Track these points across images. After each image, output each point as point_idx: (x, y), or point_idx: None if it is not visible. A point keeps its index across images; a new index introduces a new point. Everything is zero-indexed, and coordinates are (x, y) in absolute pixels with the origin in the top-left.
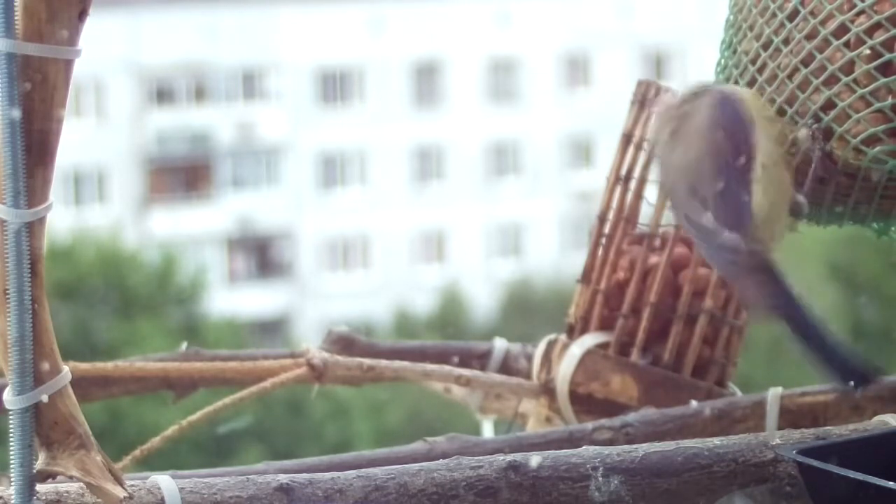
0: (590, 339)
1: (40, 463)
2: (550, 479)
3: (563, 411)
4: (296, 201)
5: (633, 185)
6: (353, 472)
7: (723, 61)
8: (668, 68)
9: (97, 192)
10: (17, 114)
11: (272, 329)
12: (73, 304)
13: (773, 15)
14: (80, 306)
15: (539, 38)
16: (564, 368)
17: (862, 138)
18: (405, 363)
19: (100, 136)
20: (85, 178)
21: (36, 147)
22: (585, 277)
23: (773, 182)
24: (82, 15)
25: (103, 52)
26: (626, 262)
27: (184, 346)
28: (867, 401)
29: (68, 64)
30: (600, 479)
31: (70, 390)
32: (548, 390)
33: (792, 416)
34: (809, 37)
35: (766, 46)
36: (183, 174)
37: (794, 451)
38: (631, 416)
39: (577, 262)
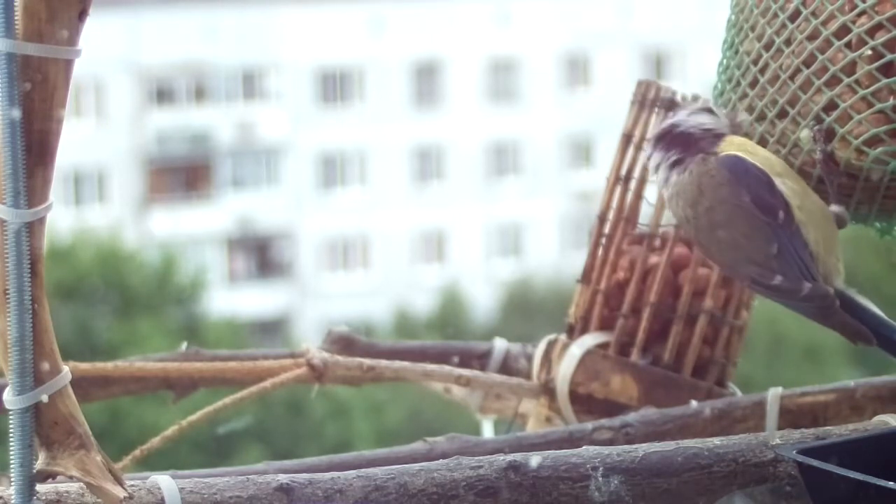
0: (590, 339)
1: (40, 463)
2: (550, 479)
3: (563, 411)
4: (296, 201)
5: (633, 185)
6: (353, 472)
7: (724, 61)
8: (668, 68)
9: (97, 192)
10: (17, 114)
11: (272, 329)
12: (73, 304)
13: (775, 15)
14: (80, 306)
15: (539, 38)
16: (564, 368)
17: (864, 139)
18: (405, 363)
19: (100, 136)
20: (85, 178)
21: (36, 147)
22: (585, 277)
23: (814, 215)
24: (82, 15)
25: (103, 52)
26: (626, 262)
27: (184, 346)
28: (867, 401)
29: (68, 64)
30: (600, 479)
31: (70, 390)
32: (548, 390)
33: (792, 416)
34: (811, 37)
35: (767, 47)
36: (183, 174)
37: (794, 451)
38: (631, 416)
39: (577, 262)
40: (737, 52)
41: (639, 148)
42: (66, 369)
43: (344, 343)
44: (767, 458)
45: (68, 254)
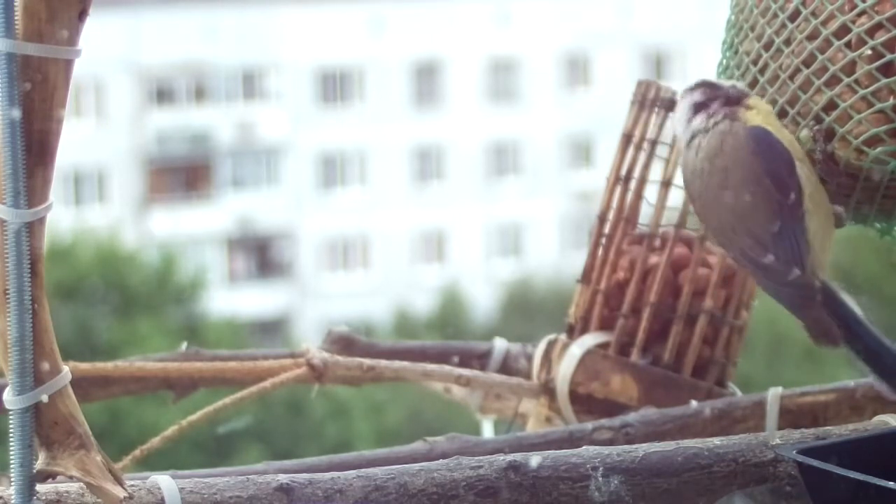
0: (590, 339)
1: (40, 463)
2: (550, 479)
3: (563, 411)
4: (296, 201)
5: (633, 185)
6: (353, 472)
7: (724, 61)
8: (668, 68)
9: (97, 192)
10: (17, 114)
11: (272, 329)
12: (73, 304)
13: (775, 15)
14: (80, 306)
15: (539, 38)
16: (564, 368)
17: (863, 139)
18: (405, 363)
19: (100, 136)
20: (85, 178)
21: (36, 147)
22: (585, 277)
23: (820, 208)
24: (82, 15)
25: (103, 52)
26: (626, 262)
27: (184, 346)
28: (867, 401)
29: (68, 64)
30: (600, 479)
31: (70, 390)
32: (548, 390)
33: (792, 416)
34: (811, 37)
35: (767, 47)
36: (183, 174)
37: (794, 451)
38: (631, 416)
39: (577, 262)
40: (736, 52)
41: (639, 148)
42: (66, 369)
43: (344, 343)
44: (767, 458)
45: (68, 254)
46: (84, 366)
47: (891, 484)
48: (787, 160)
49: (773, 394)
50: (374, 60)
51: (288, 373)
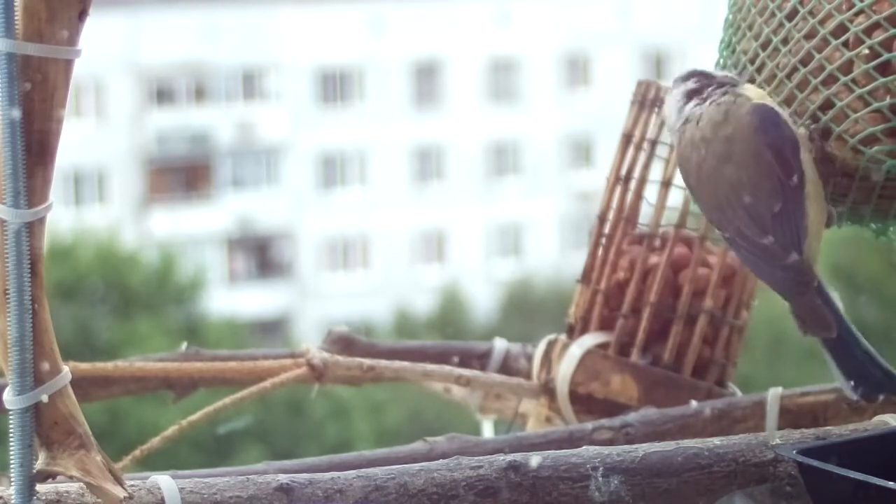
0: (590, 339)
1: (40, 463)
2: (550, 479)
3: (563, 411)
4: (296, 201)
5: (633, 185)
6: (353, 472)
7: (722, 61)
8: (668, 68)
9: (97, 192)
10: (17, 114)
11: (272, 329)
12: (73, 304)
13: (772, 14)
14: (80, 306)
15: (539, 38)
16: (564, 368)
17: (860, 138)
18: (405, 363)
19: (100, 136)
20: (85, 178)
21: (36, 147)
22: (585, 277)
23: (819, 195)
24: (82, 15)
25: (103, 52)
26: (626, 262)
27: (184, 346)
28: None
29: (68, 64)
30: (600, 479)
31: (70, 390)
32: (548, 390)
33: (792, 416)
34: (808, 36)
35: (764, 46)
36: (183, 174)
37: (794, 451)
38: (631, 416)
39: (577, 262)
40: (734, 51)
41: (639, 148)
42: (66, 369)
43: (344, 343)
44: (767, 458)
45: (68, 254)
46: (84, 366)
47: (891, 484)
48: (792, 140)
49: (773, 394)
50: (374, 60)
51: (288, 373)
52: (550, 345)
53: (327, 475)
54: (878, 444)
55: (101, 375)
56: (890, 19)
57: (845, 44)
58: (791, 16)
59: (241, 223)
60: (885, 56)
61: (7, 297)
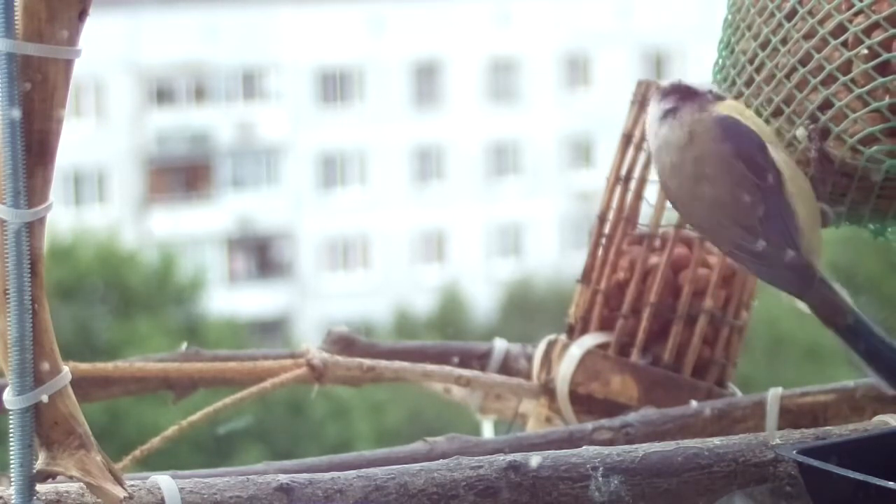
0: (590, 340)
1: (40, 463)
2: (550, 479)
3: (563, 411)
4: (296, 201)
5: (633, 185)
6: (353, 472)
7: (720, 61)
8: (668, 68)
9: (97, 192)
10: (17, 114)
11: (272, 329)
12: (73, 304)
13: (772, 14)
14: (80, 306)
15: (539, 38)
16: (564, 369)
17: (859, 138)
18: (405, 363)
19: (100, 136)
20: (85, 178)
21: (36, 147)
22: (585, 277)
23: (803, 191)
24: (82, 15)
25: (103, 52)
26: (626, 262)
27: (184, 346)
28: (867, 401)
29: (68, 64)
30: (600, 479)
31: (70, 390)
32: (548, 390)
33: (792, 416)
34: (807, 36)
35: (763, 46)
36: (183, 174)
37: (794, 451)
38: (631, 416)
39: (577, 262)
40: (733, 51)
41: (639, 148)
42: (66, 369)
43: (344, 343)
44: (767, 458)
45: (68, 254)
46: (84, 366)
47: (891, 484)
48: (756, 142)
49: (773, 394)
50: (374, 60)
51: (288, 373)
52: (550, 345)
53: (327, 475)
54: (878, 444)
55: (101, 375)
56: (889, 19)
57: (844, 44)
58: (790, 16)
59: (241, 223)
60: (885, 56)
61: (7, 297)
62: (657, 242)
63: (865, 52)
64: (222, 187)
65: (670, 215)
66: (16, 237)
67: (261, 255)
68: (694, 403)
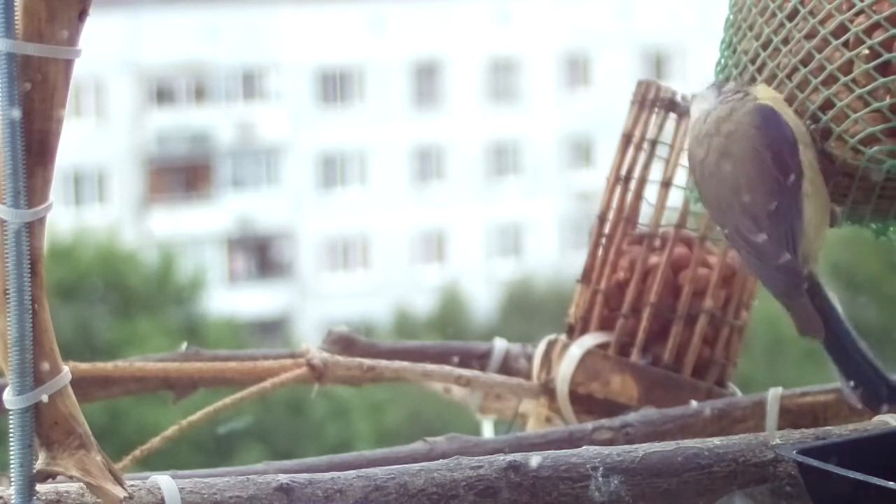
0: (590, 340)
1: (40, 463)
2: (550, 479)
3: (563, 411)
4: (296, 201)
5: (633, 185)
6: (353, 472)
7: (722, 61)
8: (668, 68)
9: (97, 192)
10: (17, 114)
11: (272, 329)
12: (73, 304)
13: (773, 14)
14: (80, 306)
15: (539, 38)
16: (564, 368)
17: (860, 138)
18: (405, 363)
19: (100, 136)
20: (85, 178)
21: (36, 147)
22: (585, 277)
23: (818, 196)
24: (82, 15)
25: (103, 52)
26: (626, 262)
27: (184, 346)
28: None
29: (68, 64)
30: (600, 479)
31: (70, 390)
32: (548, 390)
33: (792, 416)
34: (809, 36)
35: (765, 46)
36: (183, 174)
37: (794, 451)
38: (631, 416)
39: (577, 262)
40: (734, 51)
41: (639, 148)
42: (66, 369)
43: (344, 343)
44: (767, 458)
45: (68, 254)
46: (84, 366)
47: (891, 484)
48: (790, 141)
49: (773, 394)
50: (374, 60)
51: (288, 373)
52: (550, 345)
53: (327, 475)
54: (878, 444)
55: (101, 375)
56: (890, 19)
57: (845, 44)
58: (792, 16)
59: (241, 223)
60: (886, 56)
61: (7, 297)
62: (657, 242)
63: (866, 52)
64: (222, 187)
65: (670, 215)
66: (16, 237)
67: (261, 255)
68: (694, 403)
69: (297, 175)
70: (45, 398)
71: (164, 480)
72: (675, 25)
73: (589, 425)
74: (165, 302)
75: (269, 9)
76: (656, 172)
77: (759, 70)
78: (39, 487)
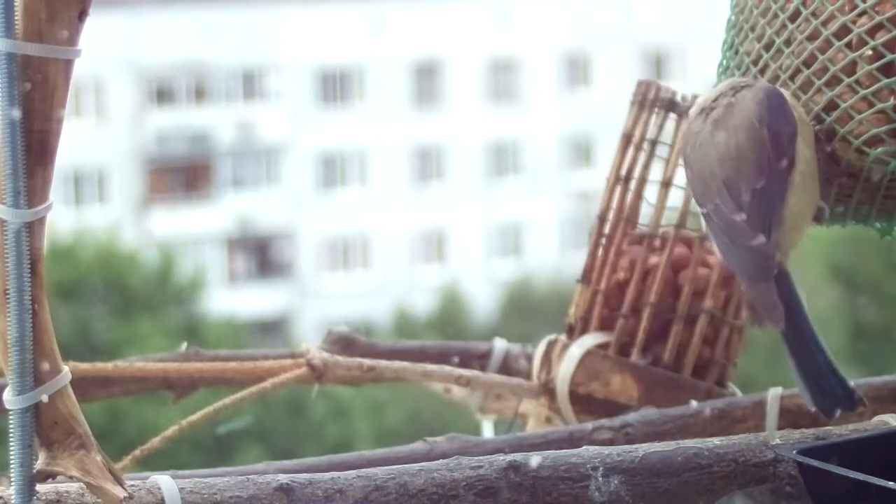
0: (590, 340)
1: (40, 463)
2: (550, 479)
3: (563, 411)
4: (296, 201)
5: (633, 185)
6: (353, 472)
7: (724, 62)
8: (668, 68)
9: (97, 192)
10: (17, 114)
11: (272, 329)
12: (73, 304)
13: (775, 16)
14: (80, 306)
15: (539, 38)
16: (564, 369)
17: (864, 139)
18: (405, 363)
19: (100, 136)
20: (85, 178)
21: (36, 147)
22: (585, 277)
23: (806, 192)
24: (82, 15)
25: (103, 52)
26: (626, 262)
27: (184, 346)
28: (867, 401)
29: (68, 64)
30: (600, 479)
31: (70, 390)
32: (548, 390)
33: (792, 416)
34: (811, 38)
35: (767, 47)
36: (183, 174)
37: (794, 451)
38: (631, 416)
39: (577, 262)
40: (736, 52)
41: (639, 148)
42: (66, 369)
43: (344, 343)
44: (767, 458)
45: (68, 254)
46: (84, 366)
47: (891, 484)
48: (791, 124)
49: (773, 394)
50: (374, 60)
51: (288, 373)
52: (550, 345)
53: (327, 475)
54: (878, 444)
55: (101, 375)
56: (893, 20)
57: (848, 45)
58: (794, 17)
59: (241, 223)
60: (889, 57)
61: (7, 297)
62: (657, 242)
63: (870, 53)
64: (222, 187)
65: (670, 215)
66: (16, 237)
67: (261, 255)
68: (694, 403)
69: (297, 175)
70: (45, 398)
71: (164, 480)
72: (676, 25)
73: (589, 425)
74: (165, 302)
75: (269, 9)
76: (656, 172)
77: (762, 71)
78: (39, 487)
